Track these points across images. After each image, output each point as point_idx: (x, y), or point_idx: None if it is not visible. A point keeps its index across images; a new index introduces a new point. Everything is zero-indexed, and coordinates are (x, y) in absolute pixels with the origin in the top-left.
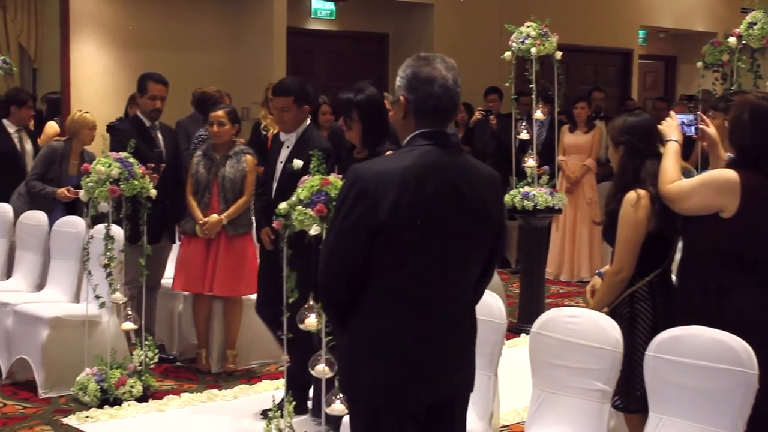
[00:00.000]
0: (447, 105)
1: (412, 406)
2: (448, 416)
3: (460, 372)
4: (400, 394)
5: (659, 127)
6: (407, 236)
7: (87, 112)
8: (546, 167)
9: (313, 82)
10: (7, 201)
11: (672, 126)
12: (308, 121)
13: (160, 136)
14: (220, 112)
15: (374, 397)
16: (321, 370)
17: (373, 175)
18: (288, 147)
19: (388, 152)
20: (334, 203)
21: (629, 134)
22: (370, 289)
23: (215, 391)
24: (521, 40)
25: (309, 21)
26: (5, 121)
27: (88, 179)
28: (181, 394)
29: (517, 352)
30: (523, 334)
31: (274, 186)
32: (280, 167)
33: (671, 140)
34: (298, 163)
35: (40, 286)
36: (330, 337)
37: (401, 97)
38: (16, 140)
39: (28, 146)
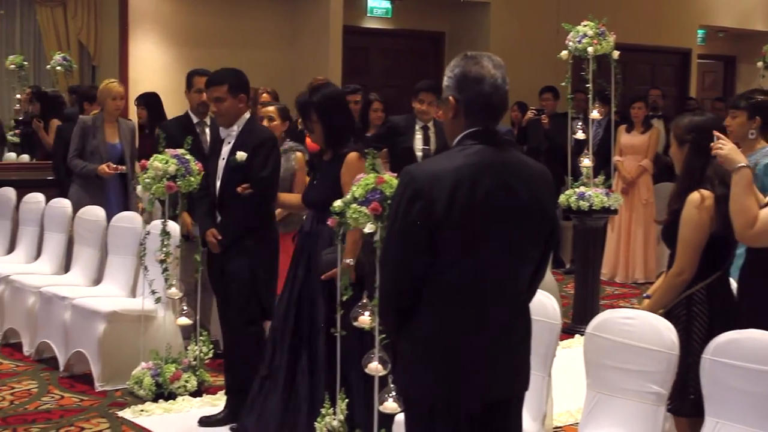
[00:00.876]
0: (497, 103)
1: (468, 405)
2: (504, 415)
3: (516, 371)
4: (456, 393)
5: (718, 153)
6: (462, 235)
7: (113, 81)
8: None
9: (368, 80)
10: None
11: (733, 149)
12: (248, 114)
13: (208, 132)
14: (270, 108)
15: (430, 396)
16: (374, 368)
17: (427, 175)
18: (229, 143)
19: (352, 152)
20: (389, 201)
21: (695, 132)
22: (427, 289)
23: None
24: (578, 39)
25: (365, 19)
26: (81, 117)
27: (145, 175)
28: None
29: (571, 353)
30: (577, 335)
31: (218, 184)
32: (222, 164)
33: (741, 167)
34: (241, 155)
35: (97, 280)
36: (383, 336)
37: (450, 97)
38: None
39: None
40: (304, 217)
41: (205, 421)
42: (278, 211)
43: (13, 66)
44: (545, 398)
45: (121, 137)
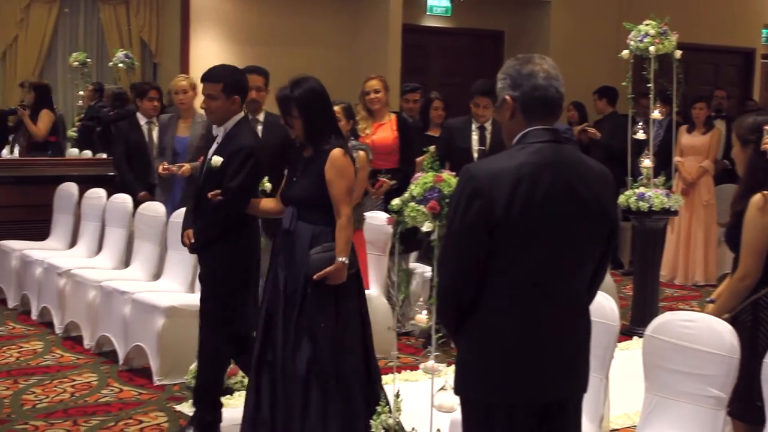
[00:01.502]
0: (554, 96)
1: (526, 406)
2: (562, 417)
3: (575, 372)
4: (514, 393)
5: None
6: (522, 235)
7: (180, 76)
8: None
9: (428, 79)
10: (136, 190)
11: None
12: (241, 115)
13: (259, 128)
14: (336, 108)
15: (488, 396)
16: (431, 367)
17: (486, 174)
18: (217, 143)
19: (336, 149)
20: (447, 200)
21: (759, 133)
22: (486, 288)
23: None
24: (639, 38)
25: (424, 18)
26: (138, 114)
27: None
28: None
29: (629, 355)
30: (635, 337)
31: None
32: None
33: None
34: (216, 160)
35: (156, 275)
36: (440, 334)
37: (507, 97)
38: (145, 131)
39: (155, 137)
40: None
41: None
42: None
43: (76, 63)
44: (603, 400)
45: (192, 132)
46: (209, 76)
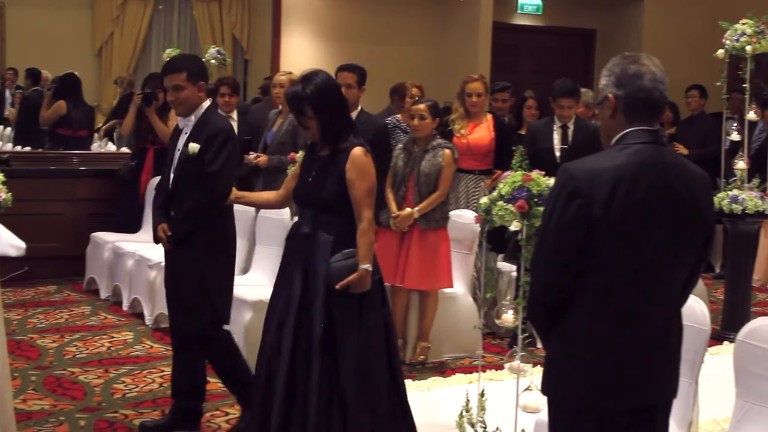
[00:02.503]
0: (658, 98)
1: (616, 409)
2: (650, 421)
3: (666, 376)
4: (604, 396)
5: None
6: (620, 236)
7: (282, 71)
8: None
9: (517, 78)
10: None
11: None
12: (208, 102)
13: None
14: (421, 106)
15: (577, 398)
16: (517, 366)
17: (586, 173)
18: (186, 133)
19: (356, 147)
20: (535, 200)
21: None
22: (580, 289)
23: (409, 381)
24: (736, 37)
25: (515, 16)
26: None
27: (293, 168)
28: None
29: (719, 360)
30: (726, 342)
31: (171, 177)
32: (177, 155)
33: None
34: (193, 146)
35: (245, 269)
36: (526, 334)
37: (610, 95)
38: None
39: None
40: (295, 218)
41: (148, 427)
42: (423, 205)
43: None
44: (692, 406)
45: (280, 126)
46: (170, 68)
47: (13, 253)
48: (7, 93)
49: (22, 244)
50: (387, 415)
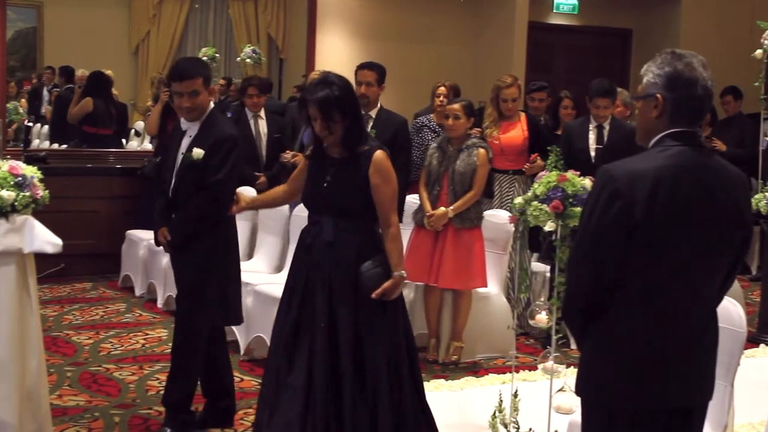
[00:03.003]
0: (706, 107)
1: (651, 411)
2: (686, 424)
3: (702, 378)
4: (640, 398)
5: None
6: (659, 237)
7: (316, 71)
8: None
9: (553, 77)
10: (251, 178)
11: None
12: (212, 105)
13: (370, 124)
14: (456, 106)
15: (612, 400)
16: (550, 367)
17: (626, 175)
18: (190, 136)
19: (378, 150)
20: (570, 200)
21: None
22: (617, 291)
23: (442, 381)
24: None
25: (551, 15)
26: (246, 108)
27: None
28: None
29: (755, 363)
30: (762, 345)
31: (173, 180)
32: (180, 158)
33: None
34: (197, 152)
35: (278, 268)
36: (560, 335)
37: (659, 95)
38: (251, 125)
39: (262, 130)
40: (309, 224)
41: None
42: (458, 204)
43: (205, 58)
44: (727, 408)
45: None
46: (186, 74)
47: (49, 250)
48: (45, 91)
49: (59, 241)
50: (412, 422)
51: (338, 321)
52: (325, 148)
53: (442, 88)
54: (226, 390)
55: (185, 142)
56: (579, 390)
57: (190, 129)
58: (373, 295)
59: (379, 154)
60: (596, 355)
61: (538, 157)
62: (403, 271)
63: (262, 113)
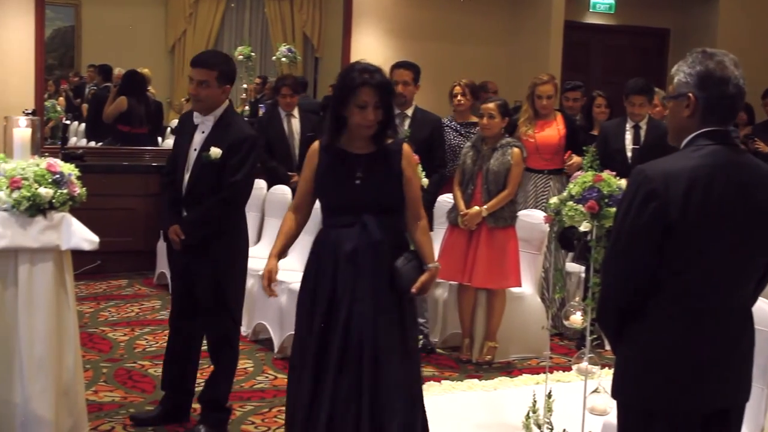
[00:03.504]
0: (739, 105)
1: (688, 414)
2: (723, 426)
3: (738, 380)
4: (677, 401)
5: None
6: (696, 237)
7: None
8: None
9: (589, 77)
10: (284, 176)
11: None
12: (227, 103)
13: (405, 123)
14: (491, 105)
15: (649, 403)
16: (584, 368)
17: (661, 175)
18: (204, 132)
19: (404, 143)
20: (606, 200)
21: None
22: (653, 292)
23: (475, 381)
24: None
25: (587, 15)
26: (279, 107)
27: None
28: (442, 382)
29: None
30: None
31: (186, 176)
32: (194, 155)
33: None
34: (216, 151)
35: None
36: (594, 336)
37: (691, 94)
38: (284, 124)
39: (295, 129)
40: (341, 226)
41: (138, 420)
42: (492, 203)
43: (241, 57)
44: (764, 411)
45: None
46: (204, 62)
47: (86, 246)
48: (87, 89)
49: (95, 238)
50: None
51: (379, 330)
52: (342, 144)
53: (458, 88)
54: (189, 389)
55: (198, 137)
56: (615, 392)
57: (203, 124)
58: (413, 290)
59: (407, 146)
60: (632, 357)
61: (573, 154)
62: (437, 263)
63: (296, 112)
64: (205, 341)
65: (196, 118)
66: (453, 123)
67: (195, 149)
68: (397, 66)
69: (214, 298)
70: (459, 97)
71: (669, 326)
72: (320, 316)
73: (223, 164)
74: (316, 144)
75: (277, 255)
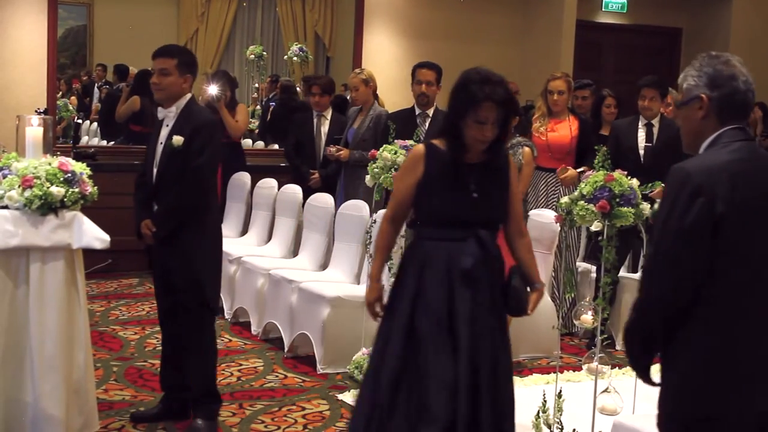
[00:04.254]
0: (751, 101)
1: (744, 422)
2: None
3: None
4: (725, 408)
5: None
6: (744, 233)
7: (354, 71)
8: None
9: (601, 76)
10: (306, 175)
11: None
12: (190, 95)
13: (427, 123)
14: None
15: (695, 411)
16: (594, 368)
17: (704, 170)
18: (168, 125)
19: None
20: (617, 200)
21: None
22: (701, 296)
23: None
24: None
25: (599, 14)
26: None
27: (374, 165)
28: None
29: None
30: None
31: (155, 171)
32: (160, 148)
33: None
34: (178, 139)
35: (323, 265)
36: (605, 336)
37: (703, 95)
38: (314, 124)
39: (323, 130)
40: (452, 240)
41: (138, 417)
42: None
43: (252, 56)
44: None
45: (361, 123)
46: (163, 51)
47: (97, 245)
48: (96, 89)
49: (107, 237)
50: None
51: (498, 349)
52: (453, 151)
53: None
54: (186, 385)
55: (164, 132)
56: (668, 405)
57: (167, 117)
58: (530, 311)
59: (510, 156)
60: (677, 365)
61: (568, 167)
62: (543, 282)
63: (328, 114)
64: None
65: (160, 113)
66: None
67: (161, 143)
68: (420, 66)
69: (188, 289)
70: None
71: (719, 331)
72: (436, 336)
73: (187, 151)
74: (420, 150)
75: (379, 277)
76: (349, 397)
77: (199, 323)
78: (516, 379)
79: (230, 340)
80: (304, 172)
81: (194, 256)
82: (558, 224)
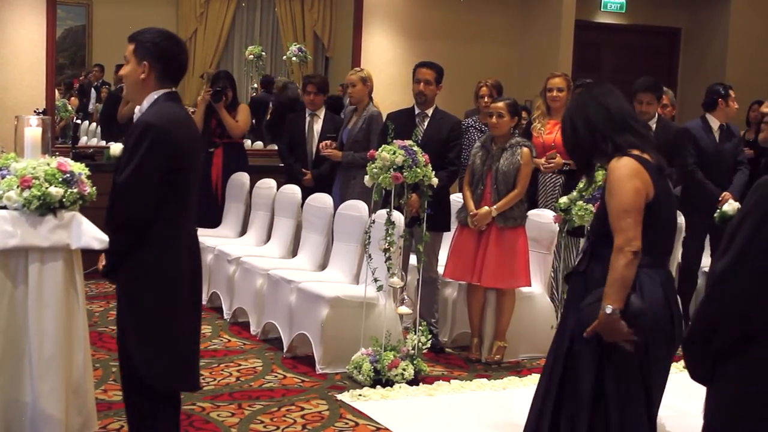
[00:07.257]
0: None
1: None
2: None
3: None
4: None
5: None
6: None
7: (354, 70)
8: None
9: (599, 76)
10: (299, 175)
11: None
12: (160, 92)
13: (425, 123)
14: (500, 104)
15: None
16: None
17: None
18: None
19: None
20: None
21: None
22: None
23: (484, 380)
24: None
25: (598, 14)
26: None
27: (373, 165)
28: (451, 381)
29: None
30: None
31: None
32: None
33: None
34: (114, 148)
35: (322, 266)
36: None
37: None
38: (306, 123)
39: (316, 129)
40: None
41: None
42: (501, 203)
43: (251, 56)
44: None
45: (354, 123)
46: (129, 37)
47: (96, 245)
48: (93, 89)
49: (105, 237)
50: None
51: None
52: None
53: (485, 89)
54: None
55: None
56: (718, 424)
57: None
58: (585, 334)
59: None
60: (741, 387)
61: (558, 154)
62: (611, 307)
63: (321, 113)
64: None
65: (135, 113)
66: (478, 123)
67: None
68: (420, 65)
69: (134, 349)
70: (486, 98)
71: None
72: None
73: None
74: (634, 165)
75: None
76: (348, 396)
77: (139, 415)
78: (515, 379)
79: (229, 341)
80: (296, 171)
81: (128, 306)
82: (557, 224)
